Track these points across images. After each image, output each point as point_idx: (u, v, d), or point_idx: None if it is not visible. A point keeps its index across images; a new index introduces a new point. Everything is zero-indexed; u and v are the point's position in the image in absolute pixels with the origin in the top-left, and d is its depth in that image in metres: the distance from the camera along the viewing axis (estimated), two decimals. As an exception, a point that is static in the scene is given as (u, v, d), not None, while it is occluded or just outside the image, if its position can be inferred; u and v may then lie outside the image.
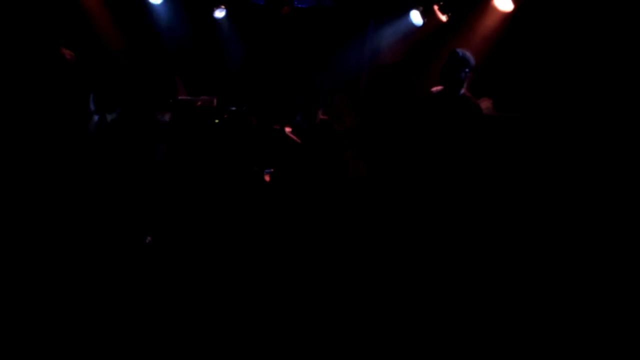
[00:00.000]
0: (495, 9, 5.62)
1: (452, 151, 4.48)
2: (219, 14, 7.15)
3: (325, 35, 7.25)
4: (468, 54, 4.52)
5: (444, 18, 6.11)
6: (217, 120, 6.61)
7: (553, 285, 4.28)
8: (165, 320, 3.65)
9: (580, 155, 4.91)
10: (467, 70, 4.47)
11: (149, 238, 4.76)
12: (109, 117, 4.61)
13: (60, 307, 3.70)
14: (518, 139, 5.11)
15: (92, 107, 4.67)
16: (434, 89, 4.68)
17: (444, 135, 4.51)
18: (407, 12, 6.53)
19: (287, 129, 5.66)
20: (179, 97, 5.63)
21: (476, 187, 4.62)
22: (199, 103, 6.45)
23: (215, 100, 6.53)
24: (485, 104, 5.50)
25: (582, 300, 4.05)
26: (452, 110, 4.50)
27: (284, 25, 7.24)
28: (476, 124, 4.48)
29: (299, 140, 5.45)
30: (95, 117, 4.65)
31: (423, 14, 6.33)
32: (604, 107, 4.79)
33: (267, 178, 5.78)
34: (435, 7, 6.13)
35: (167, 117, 4.94)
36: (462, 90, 4.51)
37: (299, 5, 7.22)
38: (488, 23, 5.78)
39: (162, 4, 6.80)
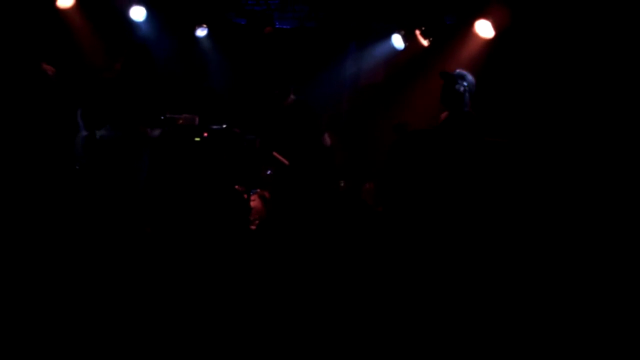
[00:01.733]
0: (476, 36, 5.77)
1: (459, 171, 4.35)
2: (201, 32, 7.15)
3: (307, 56, 7.31)
4: (463, 71, 4.50)
5: (425, 43, 6.23)
6: (197, 139, 6.57)
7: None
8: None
9: (562, 180, 5.04)
10: (464, 84, 4.38)
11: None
12: (98, 134, 4.54)
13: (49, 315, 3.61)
14: (502, 163, 5.19)
15: (80, 123, 4.60)
16: (443, 114, 4.58)
17: (451, 155, 4.37)
18: (388, 36, 6.65)
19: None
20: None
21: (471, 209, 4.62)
22: (181, 121, 6.40)
23: (197, 119, 6.49)
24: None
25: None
26: (458, 129, 4.39)
27: (266, 46, 7.28)
28: (479, 140, 4.42)
29: (286, 162, 5.46)
30: (83, 133, 4.57)
31: (405, 38, 6.45)
32: (587, 131, 4.94)
33: (254, 198, 5.76)
34: (417, 32, 6.26)
35: (157, 132, 4.89)
36: (467, 109, 4.42)
37: (281, 26, 7.28)
38: (469, 49, 5.92)
39: (144, 21, 6.78)
